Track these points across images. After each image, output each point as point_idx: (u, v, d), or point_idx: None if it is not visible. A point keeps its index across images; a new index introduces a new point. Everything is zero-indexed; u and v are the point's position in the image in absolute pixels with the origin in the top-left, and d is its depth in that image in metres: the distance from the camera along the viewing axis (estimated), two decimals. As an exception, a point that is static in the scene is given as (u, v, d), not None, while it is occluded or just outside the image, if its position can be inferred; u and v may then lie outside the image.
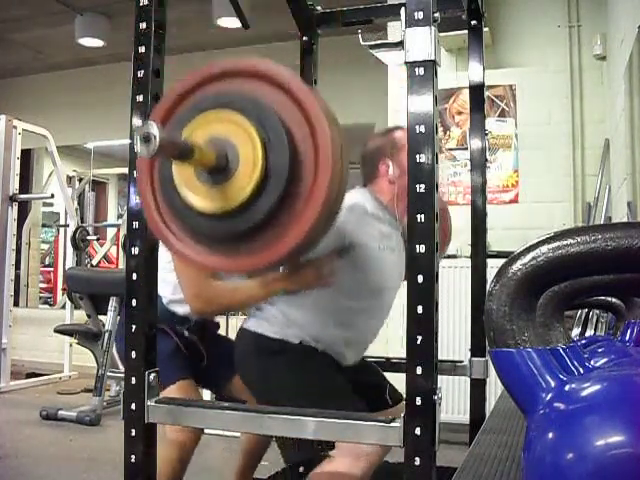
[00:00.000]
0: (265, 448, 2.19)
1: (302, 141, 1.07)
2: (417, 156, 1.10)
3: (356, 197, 1.73)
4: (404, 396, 1.89)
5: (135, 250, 1.26)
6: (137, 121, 1.27)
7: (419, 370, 1.08)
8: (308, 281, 1.67)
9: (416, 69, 1.12)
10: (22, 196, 5.05)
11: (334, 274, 1.66)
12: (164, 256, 1.93)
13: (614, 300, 1.46)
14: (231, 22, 4.90)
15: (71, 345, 4.87)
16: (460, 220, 2.23)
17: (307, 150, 1.07)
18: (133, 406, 1.25)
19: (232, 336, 2.22)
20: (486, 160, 2.16)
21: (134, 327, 1.25)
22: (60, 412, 3.77)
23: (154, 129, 0.91)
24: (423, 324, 1.08)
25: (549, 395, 0.79)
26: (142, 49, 1.27)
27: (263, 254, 1.09)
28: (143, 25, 1.27)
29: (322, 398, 1.58)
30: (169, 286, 1.94)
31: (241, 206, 1.05)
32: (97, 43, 5.70)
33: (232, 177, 1.05)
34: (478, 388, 2.08)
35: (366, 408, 1.67)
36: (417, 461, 1.06)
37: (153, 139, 0.91)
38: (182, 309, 1.97)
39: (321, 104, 1.10)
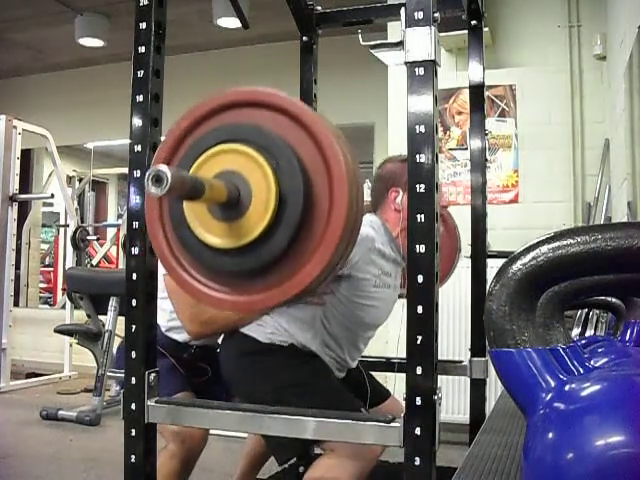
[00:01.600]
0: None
1: (312, 163, 1.04)
2: (417, 156, 1.10)
3: (369, 230, 1.72)
4: (389, 392, 1.85)
5: (135, 250, 1.26)
6: (137, 121, 1.27)
7: (419, 370, 1.08)
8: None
9: (416, 69, 1.12)
10: (22, 196, 5.05)
11: (327, 294, 1.68)
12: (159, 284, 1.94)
13: (614, 300, 1.46)
14: (231, 22, 4.90)
15: (71, 345, 4.87)
16: (460, 220, 2.23)
17: (319, 173, 1.04)
18: (133, 406, 1.25)
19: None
20: (486, 160, 2.16)
21: (134, 327, 1.25)
22: (60, 412, 3.77)
23: (165, 169, 0.90)
24: (423, 324, 1.08)
25: (549, 395, 0.79)
26: (142, 49, 1.27)
27: (282, 288, 1.06)
28: (143, 25, 1.27)
29: (312, 395, 1.59)
30: (165, 313, 1.92)
31: (257, 240, 1.02)
32: (97, 43, 5.69)
33: (246, 211, 1.02)
34: (478, 388, 2.08)
35: (360, 404, 1.67)
36: (417, 461, 1.06)
37: (165, 178, 0.90)
38: (180, 336, 1.96)
39: (325, 122, 1.07)
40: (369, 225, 1.75)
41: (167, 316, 1.93)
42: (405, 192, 1.71)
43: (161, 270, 1.88)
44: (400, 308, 1.41)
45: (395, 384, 1.90)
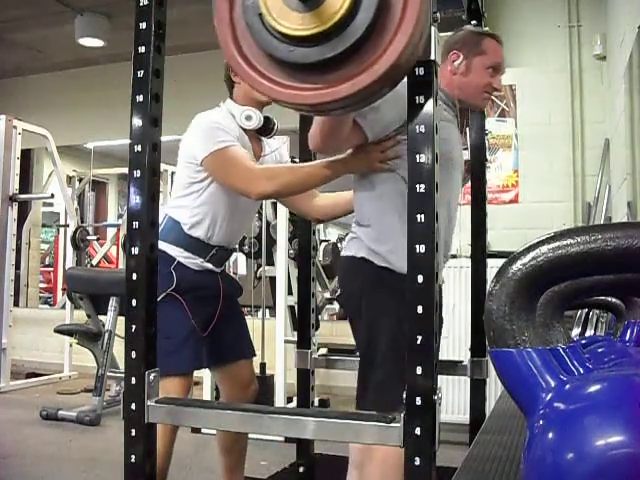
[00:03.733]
0: (244, 441, 2.17)
1: None
2: (417, 156, 1.10)
3: None
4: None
5: (135, 250, 1.26)
6: (137, 121, 1.27)
7: (419, 370, 1.07)
8: (371, 163, 1.62)
9: (416, 69, 1.12)
10: (22, 196, 5.05)
11: (398, 156, 1.60)
12: (181, 181, 1.96)
13: (614, 300, 1.46)
14: (231, 22, 4.90)
15: (71, 345, 4.87)
16: (460, 220, 2.23)
17: None
18: (133, 406, 1.25)
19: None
20: (486, 160, 2.16)
21: (134, 327, 1.25)
22: (60, 412, 3.76)
23: None
24: (423, 324, 1.08)
25: (549, 395, 0.79)
26: (142, 49, 1.26)
27: (361, 75, 1.04)
28: (143, 25, 1.27)
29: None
30: (186, 210, 1.95)
31: (338, 24, 1.01)
32: (97, 43, 5.70)
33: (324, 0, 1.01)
34: (478, 388, 2.08)
35: None
36: (417, 461, 1.06)
37: None
38: (203, 231, 1.96)
39: None
40: None
41: (189, 212, 1.95)
42: (466, 59, 1.74)
43: (191, 154, 1.89)
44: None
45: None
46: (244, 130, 1.98)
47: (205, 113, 1.97)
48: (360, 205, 1.71)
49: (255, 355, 2.22)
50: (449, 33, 1.80)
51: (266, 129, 2.02)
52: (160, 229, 1.92)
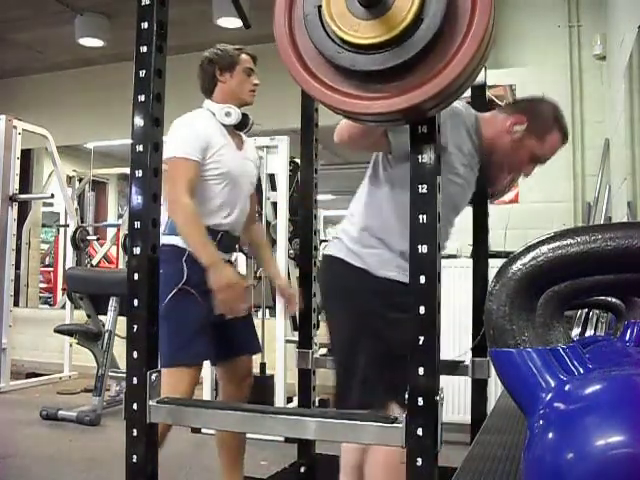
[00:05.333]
0: (242, 440, 2.20)
1: None
2: (419, 156, 1.10)
3: (461, 106, 1.64)
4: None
5: (137, 250, 1.26)
6: (139, 121, 1.27)
7: (421, 370, 1.08)
8: (229, 300, 1.83)
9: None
10: (22, 196, 5.05)
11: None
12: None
13: (614, 300, 1.46)
14: (231, 22, 4.90)
15: (71, 345, 4.87)
16: (461, 220, 2.23)
17: None
18: (135, 406, 1.25)
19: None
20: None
21: (136, 327, 1.25)
22: (60, 412, 3.77)
23: None
24: (425, 324, 1.08)
25: (549, 395, 0.79)
26: (144, 49, 1.26)
27: (424, 86, 1.01)
28: (145, 25, 1.27)
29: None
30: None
31: (404, 32, 0.99)
32: (97, 43, 5.70)
33: (390, 7, 0.99)
34: (479, 388, 2.08)
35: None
36: (419, 462, 1.06)
37: None
38: (209, 218, 2.04)
39: None
40: (463, 106, 1.67)
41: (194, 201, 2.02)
42: (526, 132, 1.68)
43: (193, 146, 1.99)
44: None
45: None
46: (224, 126, 2.13)
47: (184, 116, 2.08)
48: (355, 203, 1.72)
49: (261, 350, 2.27)
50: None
51: (243, 124, 2.18)
52: (168, 224, 1.98)
